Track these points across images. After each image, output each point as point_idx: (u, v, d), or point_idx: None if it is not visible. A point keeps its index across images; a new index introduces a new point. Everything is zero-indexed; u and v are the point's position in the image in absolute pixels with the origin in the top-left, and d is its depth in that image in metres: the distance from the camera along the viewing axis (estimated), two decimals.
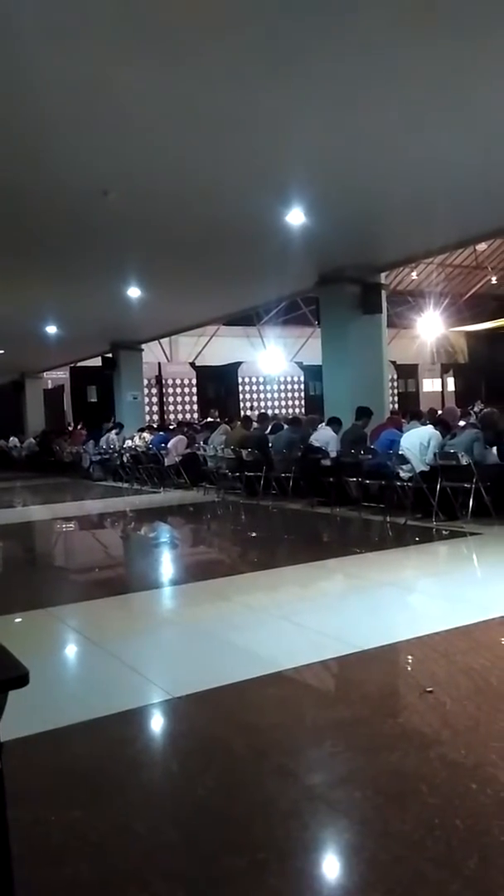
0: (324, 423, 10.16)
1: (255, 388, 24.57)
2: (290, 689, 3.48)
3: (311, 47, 4.63)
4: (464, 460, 7.44)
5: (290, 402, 25.09)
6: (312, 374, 22.72)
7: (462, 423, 9.41)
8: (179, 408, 23.57)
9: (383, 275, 11.65)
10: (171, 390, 23.60)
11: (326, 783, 2.57)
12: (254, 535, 8.82)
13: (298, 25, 4.36)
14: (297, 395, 25.37)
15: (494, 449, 7.72)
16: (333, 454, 9.32)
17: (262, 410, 19.46)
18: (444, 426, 8.33)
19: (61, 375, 23.87)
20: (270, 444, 10.53)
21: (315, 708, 3.26)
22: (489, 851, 2.07)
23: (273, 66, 4.89)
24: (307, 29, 4.40)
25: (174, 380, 23.65)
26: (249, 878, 2.04)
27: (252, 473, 10.57)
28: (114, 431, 16.17)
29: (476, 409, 14.97)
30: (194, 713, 3.25)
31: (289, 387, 25.25)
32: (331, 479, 9.21)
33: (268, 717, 3.14)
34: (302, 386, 25.33)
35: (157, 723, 3.23)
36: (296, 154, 6.44)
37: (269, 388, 24.67)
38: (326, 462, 9.41)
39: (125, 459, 14.85)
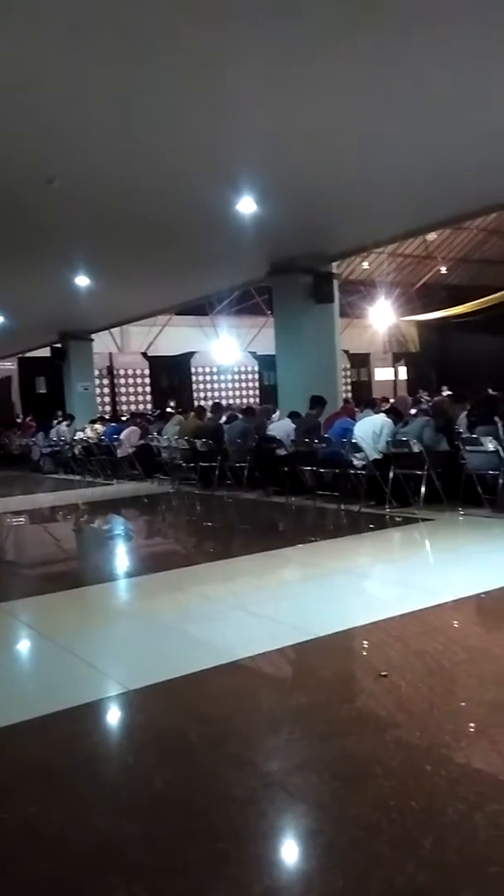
0: (277, 414, 10.18)
1: (208, 378, 24.46)
2: (246, 678, 3.48)
3: (258, 36, 4.60)
4: (415, 448, 7.54)
5: (244, 392, 25.06)
6: (266, 363, 22.71)
7: (413, 410, 9.55)
8: (132, 398, 23.33)
9: (335, 264, 11.70)
10: (123, 381, 23.34)
11: (283, 770, 2.58)
12: (209, 525, 8.80)
13: (245, 13, 4.33)
14: (251, 384, 25.36)
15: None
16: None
17: (216, 400, 19.41)
18: (396, 414, 8.43)
19: (9, 366, 23.35)
20: (225, 435, 10.52)
21: (272, 696, 3.27)
22: (444, 832, 2.11)
23: (221, 54, 4.84)
24: (254, 18, 4.36)
25: (126, 370, 23.39)
26: (208, 867, 2.04)
27: (207, 464, 10.54)
28: (64, 423, 15.93)
29: (423, 396, 15.23)
30: (150, 705, 3.23)
31: (243, 377, 25.21)
32: (285, 469, 9.25)
33: (224, 707, 3.14)
34: (256, 376, 25.32)
35: (112, 716, 3.19)
36: (245, 143, 6.40)
37: (222, 377, 24.60)
38: (281, 451, 9.44)
39: (77, 451, 14.65)
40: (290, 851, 2.14)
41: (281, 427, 9.84)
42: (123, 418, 16.37)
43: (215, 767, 2.62)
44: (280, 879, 2.00)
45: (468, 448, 7.25)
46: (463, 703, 3.02)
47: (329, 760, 2.59)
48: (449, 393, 12.71)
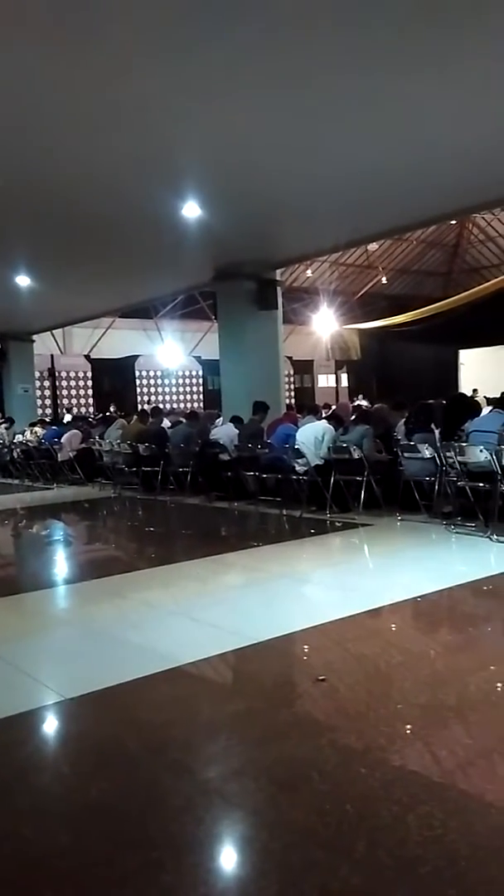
0: (221, 419, 10.19)
1: (152, 381, 24.31)
2: (186, 685, 3.47)
3: (204, 41, 4.61)
4: (356, 454, 7.65)
5: (188, 397, 24.99)
6: (210, 368, 22.71)
7: (353, 416, 9.68)
8: (74, 401, 22.99)
9: (279, 271, 11.80)
10: (64, 383, 22.98)
11: (221, 776, 2.58)
12: (151, 530, 8.73)
13: (192, 16, 4.33)
14: (195, 389, 25.31)
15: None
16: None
17: (156, 404, 19.29)
18: (338, 421, 8.53)
19: None
20: (168, 439, 10.46)
21: (211, 702, 3.27)
22: (377, 834, 2.14)
23: (163, 58, 4.84)
24: (200, 21, 4.37)
25: (68, 372, 23.05)
26: (143, 877, 2.02)
27: (149, 468, 10.46)
28: (3, 426, 15.58)
29: (358, 402, 15.47)
30: (87, 714, 3.19)
31: (187, 381, 25.14)
32: (228, 474, 9.25)
33: (163, 714, 3.12)
34: (200, 380, 25.28)
35: (48, 725, 3.14)
36: (188, 148, 6.41)
37: (166, 381, 24.49)
38: (224, 456, 9.45)
39: (16, 455, 14.34)
40: (225, 858, 2.14)
41: (224, 432, 9.84)
42: (65, 421, 16.11)
43: (153, 776, 2.60)
44: (215, 886, 2.00)
45: (406, 455, 7.40)
46: (399, 706, 3.08)
47: (266, 766, 2.60)
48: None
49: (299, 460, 8.20)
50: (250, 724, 2.96)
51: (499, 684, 3.27)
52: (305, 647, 4.00)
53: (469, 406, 7.76)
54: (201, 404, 23.65)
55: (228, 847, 2.19)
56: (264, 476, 8.83)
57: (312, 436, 8.14)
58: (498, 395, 7.74)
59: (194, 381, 25.28)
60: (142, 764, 2.69)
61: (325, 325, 22.76)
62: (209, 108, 5.63)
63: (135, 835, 2.22)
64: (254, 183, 7.41)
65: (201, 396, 25.03)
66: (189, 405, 23.41)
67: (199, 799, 2.41)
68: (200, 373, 25.15)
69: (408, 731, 2.84)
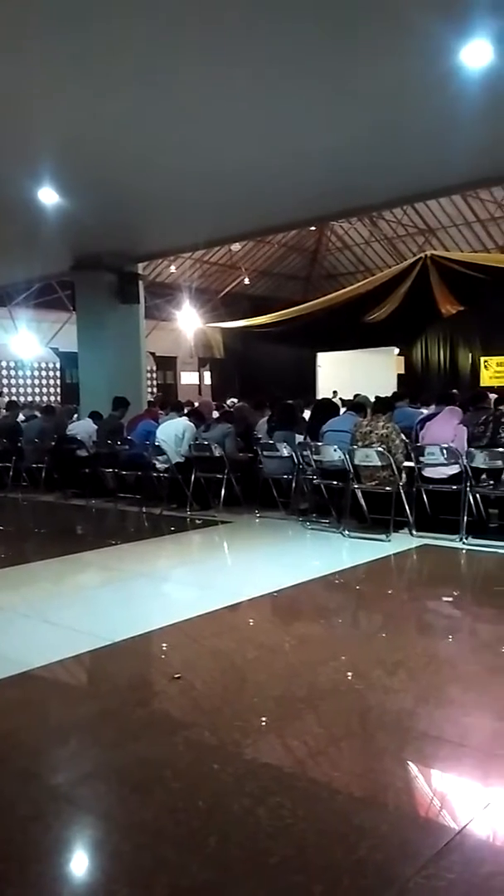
0: (77, 416, 9.92)
1: (5, 373, 23.22)
2: (37, 689, 3.34)
3: (65, 32, 4.48)
4: (216, 452, 7.71)
5: (45, 390, 24.08)
6: (69, 361, 21.98)
7: (216, 414, 9.74)
8: None
9: (141, 265, 11.65)
10: None
11: (71, 781, 2.50)
12: (1, 529, 8.34)
13: (53, 7, 4.19)
14: (52, 382, 24.42)
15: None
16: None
17: (13, 398, 18.46)
18: (199, 418, 8.56)
19: None
20: (22, 434, 10.04)
21: (62, 705, 3.17)
22: (229, 828, 2.16)
23: (14, 42, 4.64)
24: (55, 7, 4.23)
25: None
26: None
27: (1, 464, 9.99)
28: None
29: (229, 402, 15.64)
30: None
31: (43, 373, 24.20)
32: (86, 470, 9.03)
33: (11, 720, 2.99)
34: (58, 373, 24.44)
35: None
36: (44, 132, 6.17)
37: (21, 373, 23.47)
38: (82, 453, 9.21)
39: None
40: (75, 865, 2.08)
41: (82, 427, 9.59)
42: None
43: None
44: (61, 895, 1.94)
45: (265, 454, 7.55)
46: (254, 700, 3.12)
47: (118, 767, 2.55)
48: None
49: (160, 457, 8.14)
50: (103, 726, 2.90)
51: (349, 674, 3.40)
52: (162, 645, 3.98)
53: (333, 408, 8.06)
54: (59, 398, 22.88)
55: (77, 853, 2.13)
56: (124, 473, 8.69)
57: (173, 433, 8.11)
58: (351, 398, 8.08)
59: (51, 373, 24.40)
60: None
61: (188, 322, 22.75)
62: (67, 97, 5.47)
63: None
64: (114, 172, 7.25)
65: (59, 390, 24.21)
66: (46, 399, 22.58)
67: (47, 806, 2.33)
68: (58, 365, 24.31)
69: (261, 725, 2.90)
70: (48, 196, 7.65)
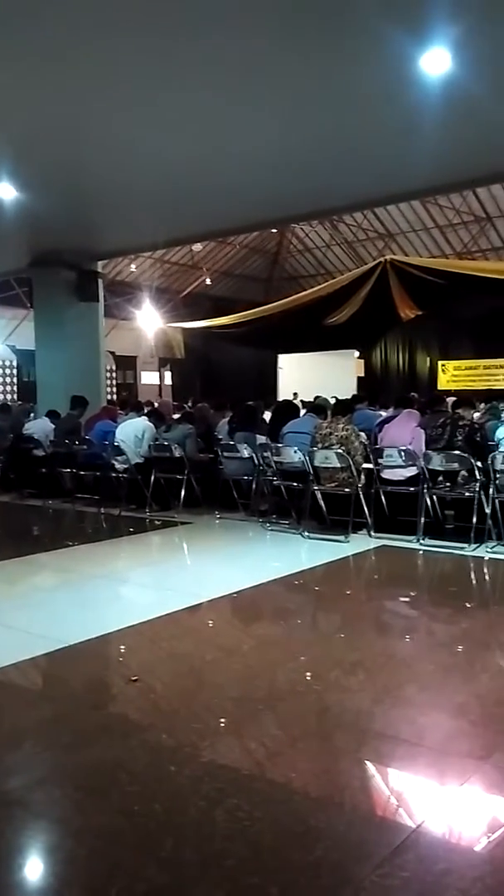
0: (33, 414, 9.77)
1: None
2: None
3: (16, 27, 4.44)
4: (176, 452, 7.67)
5: (1, 388, 23.67)
6: (26, 358, 21.61)
7: (177, 415, 9.70)
8: None
9: (101, 263, 11.54)
10: None
11: (24, 786, 2.45)
12: None
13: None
14: (9, 380, 24.01)
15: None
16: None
17: None
18: (158, 418, 8.50)
19: None
20: None
21: (15, 710, 3.11)
22: (184, 831, 2.15)
23: None
24: (7, 4, 4.18)
25: None
26: None
27: None
28: None
29: (190, 403, 15.57)
30: None
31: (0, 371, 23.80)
32: (43, 470, 8.90)
33: None
34: (15, 371, 24.02)
35: None
36: (0, 129, 6.09)
37: None
38: (39, 452, 9.07)
39: None
40: (28, 871, 2.04)
41: (39, 427, 9.44)
42: None
43: None
44: None
45: (225, 455, 7.54)
46: (213, 701, 3.11)
47: (73, 772, 2.52)
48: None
49: (119, 457, 8.07)
50: (58, 730, 2.86)
51: (307, 674, 3.41)
52: (120, 648, 3.93)
53: (293, 410, 8.08)
54: (15, 396, 22.50)
55: (31, 859, 2.09)
56: (82, 473, 8.59)
57: (132, 433, 8.05)
58: (312, 400, 8.11)
59: (8, 371, 23.98)
60: None
61: (149, 321, 22.60)
62: (23, 95, 5.41)
63: None
64: (72, 170, 7.16)
65: (15, 388, 23.81)
66: (2, 397, 22.18)
67: None
68: (15, 363, 23.91)
69: (219, 726, 2.88)
70: (5, 191, 7.52)
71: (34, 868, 2.05)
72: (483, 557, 5.72)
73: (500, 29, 4.60)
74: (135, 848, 2.07)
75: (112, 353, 21.84)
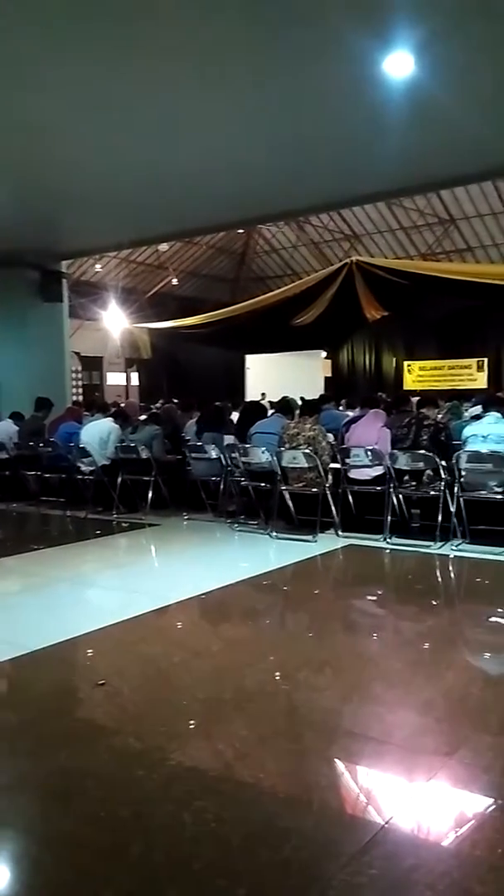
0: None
1: None
2: None
3: None
4: (144, 454, 7.62)
5: None
6: None
7: (143, 416, 9.63)
8: None
9: (65, 263, 11.42)
10: None
11: None
12: None
13: None
14: None
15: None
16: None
17: None
18: (124, 419, 8.43)
19: None
20: None
21: None
22: (152, 835, 2.13)
23: None
24: None
25: None
26: None
27: None
28: None
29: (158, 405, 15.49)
30: None
31: None
32: (7, 473, 8.77)
33: None
34: None
35: None
36: None
37: None
38: (2, 455, 8.94)
39: None
40: None
41: (2, 429, 9.31)
42: None
43: None
44: None
45: (193, 455, 7.51)
46: (182, 703, 3.09)
47: (38, 778, 2.48)
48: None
49: (84, 459, 7.98)
50: (22, 737, 2.81)
51: (276, 674, 3.41)
52: (86, 652, 3.89)
53: (261, 410, 8.07)
54: None
55: None
56: (47, 475, 8.49)
57: (97, 435, 7.97)
58: (279, 400, 8.11)
59: None
60: None
61: (114, 321, 22.44)
62: None
63: None
64: (34, 169, 7.07)
65: None
66: None
67: None
68: None
69: (187, 729, 2.87)
70: None
71: (1, 876, 2.02)
72: (448, 555, 5.79)
73: (462, 33, 4.67)
74: (102, 854, 2.04)
75: (78, 353, 21.62)
